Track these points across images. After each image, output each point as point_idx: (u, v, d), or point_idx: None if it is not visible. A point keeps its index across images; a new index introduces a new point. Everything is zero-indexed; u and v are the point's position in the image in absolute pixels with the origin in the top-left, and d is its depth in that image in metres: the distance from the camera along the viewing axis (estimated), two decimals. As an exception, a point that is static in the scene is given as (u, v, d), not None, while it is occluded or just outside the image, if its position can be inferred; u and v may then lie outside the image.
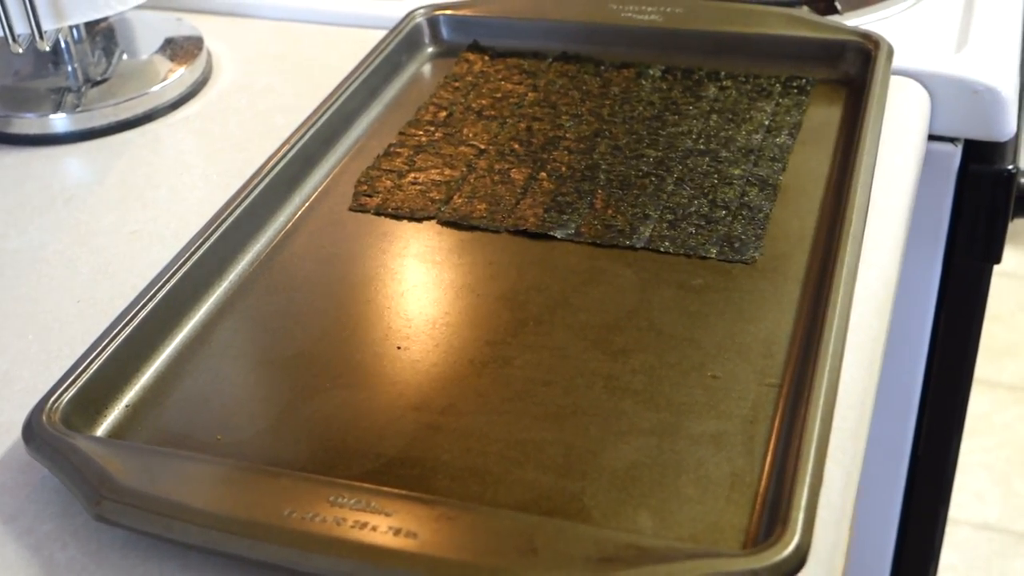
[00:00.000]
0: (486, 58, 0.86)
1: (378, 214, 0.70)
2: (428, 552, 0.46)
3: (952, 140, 0.84)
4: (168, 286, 0.62)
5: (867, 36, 0.80)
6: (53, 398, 0.55)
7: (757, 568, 0.44)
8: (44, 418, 0.54)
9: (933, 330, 0.91)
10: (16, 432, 0.55)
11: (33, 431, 0.53)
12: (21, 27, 0.80)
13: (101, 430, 0.56)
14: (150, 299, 0.61)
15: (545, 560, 0.45)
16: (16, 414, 0.55)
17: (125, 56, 0.90)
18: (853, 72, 0.80)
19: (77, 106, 0.83)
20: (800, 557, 0.45)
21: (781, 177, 0.70)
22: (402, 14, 0.90)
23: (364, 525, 0.47)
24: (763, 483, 0.51)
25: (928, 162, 0.82)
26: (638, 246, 0.65)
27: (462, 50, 0.87)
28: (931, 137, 0.83)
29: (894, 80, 0.80)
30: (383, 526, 0.47)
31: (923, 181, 0.81)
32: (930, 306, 0.90)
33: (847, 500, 0.52)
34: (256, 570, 0.48)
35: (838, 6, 0.92)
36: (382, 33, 0.88)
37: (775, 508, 0.48)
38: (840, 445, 0.54)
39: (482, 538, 0.47)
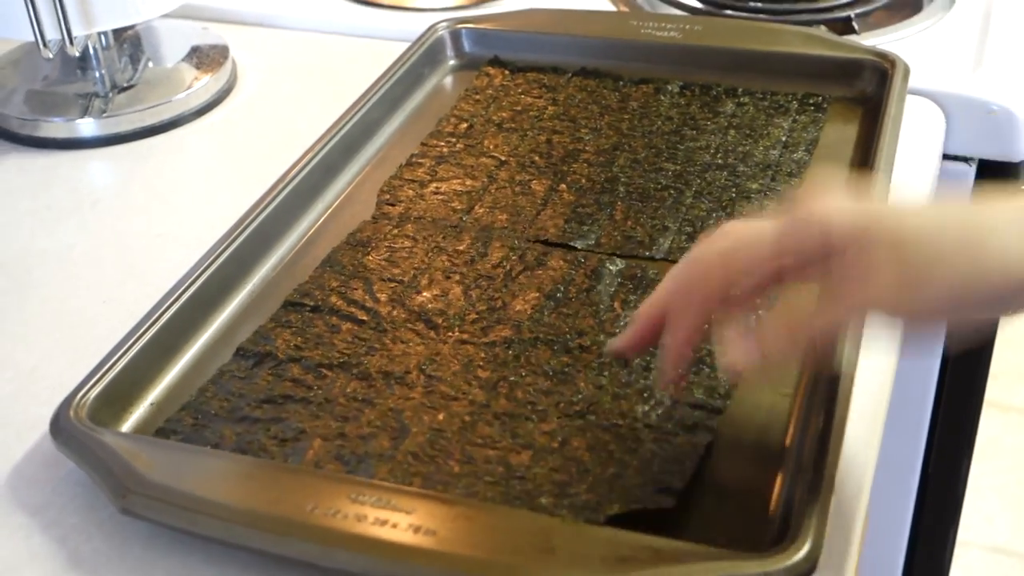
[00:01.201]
0: (506, 72, 0.87)
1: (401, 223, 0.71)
2: (447, 550, 0.47)
3: (966, 160, 0.85)
4: (194, 287, 0.63)
5: (884, 56, 0.81)
6: (80, 394, 0.56)
7: (770, 571, 0.45)
8: (71, 413, 0.55)
9: (946, 349, 0.91)
10: (44, 427, 0.56)
11: (60, 425, 0.54)
12: (52, 33, 0.81)
13: (126, 427, 0.57)
14: (176, 299, 0.62)
15: (562, 559, 0.46)
16: (43, 410, 0.56)
17: (151, 63, 0.92)
18: (870, 91, 0.81)
19: (104, 111, 0.85)
20: (812, 561, 0.45)
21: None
22: (424, 27, 0.91)
23: (385, 522, 0.48)
24: (776, 489, 0.51)
25: (942, 181, 0.83)
26: (657, 257, 0.66)
27: (483, 63, 0.89)
28: (945, 156, 0.84)
29: (910, 99, 0.81)
30: (403, 523, 0.48)
31: (937, 201, 0.82)
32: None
33: (859, 506, 0.53)
34: (278, 565, 0.49)
35: (856, 26, 0.93)
36: (404, 46, 0.89)
37: (787, 513, 0.49)
38: (853, 452, 0.55)
39: (500, 537, 0.48)
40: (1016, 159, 0.84)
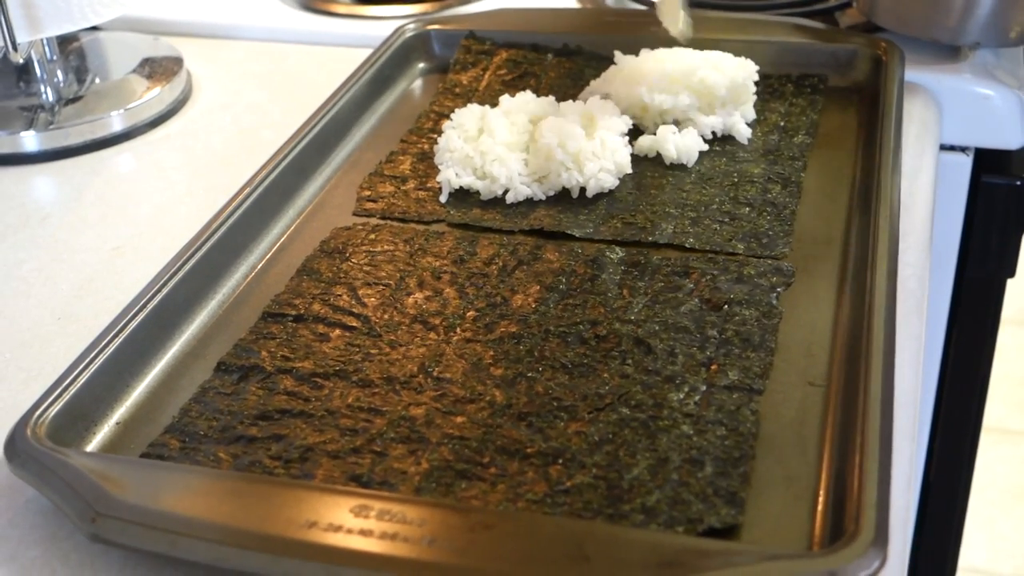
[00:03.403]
0: (483, 65, 0.82)
1: (384, 218, 0.66)
2: (468, 563, 0.41)
3: (963, 150, 0.82)
4: (159, 297, 0.58)
5: (877, 42, 0.78)
6: (38, 412, 0.50)
7: (833, 568, 0.40)
8: (29, 432, 0.49)
9: (945, 345, 0.88)
10: (-4, 452, 0.50)
11: (17, 447, 0.48)
12: (-7, 39, 0.76)
13: (91, 447, 0.51)
14: (140, 310, 0.56)
15: (600, 567, 0.41)
16: (-6, 434, 0.51)
17: (99, 75, 0.86)
18: (863, 79, 0.78)
19: (51, 123, 0.79)
20: (880, 555, 0.41)
21: (803, 175, 0.67)
22: (384, 33, 0.86)
23: (394, 536, 0.43)
24: (821, 484, 0.47)
25: (938, 173, 0.80)
26: (661, 242, 0.61)
27: (453, 65, 0.84)
28: (941, 147, 0.81)
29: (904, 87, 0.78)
30: (415, 537, 0.43)
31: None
32: (942, 321, 0.87)
33: (909, 501, 0.48)
34: (272, 590, 0.44)
35: (839, 20, 0.90)
36: (364, 52, 0.84)
37: (840, 508, 0.44)
38: (897, 446, 0.50)
39: (526, 546, 0.42)
40: (1013, 147, 0.80)
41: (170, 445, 0.50)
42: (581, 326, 0.55)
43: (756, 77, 0.74)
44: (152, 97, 0.82)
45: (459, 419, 0.50)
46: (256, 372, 0.54)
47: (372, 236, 0.64)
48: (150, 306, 0.57)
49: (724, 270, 0.58)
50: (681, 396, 0.50)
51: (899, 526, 0.46)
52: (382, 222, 0.66)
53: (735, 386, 0.51)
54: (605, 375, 0.52)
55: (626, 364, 0.52)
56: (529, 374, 0.52)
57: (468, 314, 0.57)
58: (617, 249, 0.61)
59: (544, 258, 0.61)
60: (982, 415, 0.96)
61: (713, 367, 0.52)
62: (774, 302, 0.56)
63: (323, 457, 0.49)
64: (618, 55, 0.77)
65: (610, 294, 0.57)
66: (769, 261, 0.60)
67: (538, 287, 0.58)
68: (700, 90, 0.71)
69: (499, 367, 0.53)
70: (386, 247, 0.63)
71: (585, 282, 0.59)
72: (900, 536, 0.46)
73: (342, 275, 0.61)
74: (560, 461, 0.47)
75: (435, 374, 0.53)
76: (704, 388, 0.51)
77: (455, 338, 0.55)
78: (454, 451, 0.48)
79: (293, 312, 0.58)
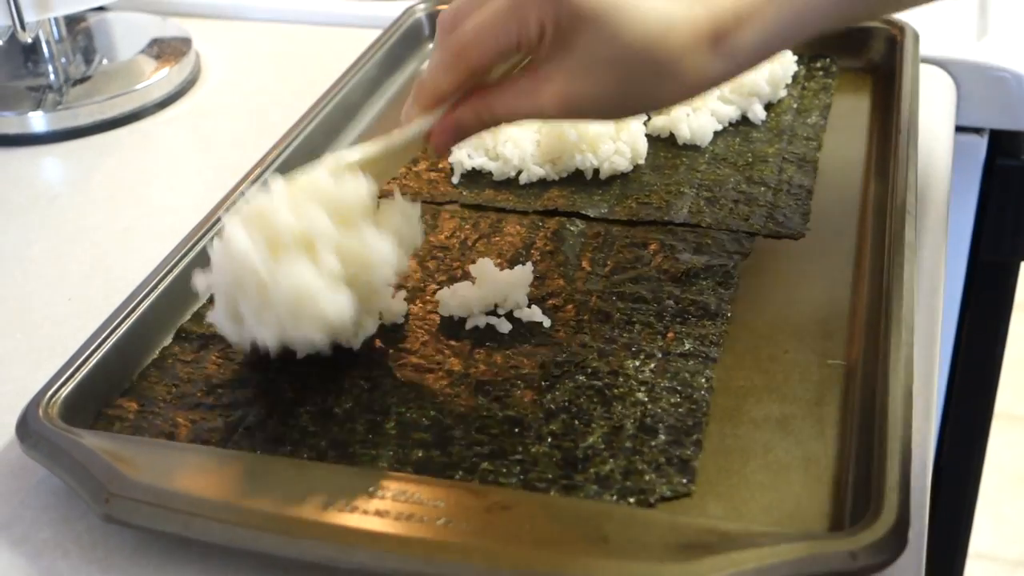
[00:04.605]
0: None
1: (395, 199, 0.65)
2: (485, 543, 0.41)
3: (977, 131, 0.81)
4: (171, 277, 0.57)
5: (891, 22, 0.77)
6: (50, 392, 0.50)
7: (855, 549, 0.40)
8: (41, 413, 0.48)
9: (958, 329, 0.87)
10: (8, 435, 0.49)
11: (29, 427, 0.48)
12: (1, 19, 0.75)
13: (103, 428, 0.51)
14: (152, 289, 0.56)
15: (618, 548, 0.41)
16: (6, 416, 0.50)
17: (107, 55, 0.86)
18: (878, 59, 0.77)
19: (59, 104, 0.78)
20: (901, 536, 0.40)
21: (818, 154, 0.66)
22: (395, 13, 0.86)
23: (410, 516, 0.42)
24: (840, 465, 0.46)
25: (953, 155, 0.79)
26: (677, 221, 0.61)
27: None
28: (956, 129, 0.80)
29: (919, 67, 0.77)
30: (431, 517, 0.42)
31: (948, 175, 0.78)
32: (955, 304, 0.86)
33: (926, 483, 0.48)
34: (286, 571, 0.43)
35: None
36: (373, 33, 0.84)
37: (860, 490, 0.44)
38: (915, 427, 0.50)
39: (544, 527, 0.42)
40: (1029, 128, 0.80)
41: (127, 408, 0.50)
42: (540, 296, 0.55)
43: (795, 68, 0.74)
44: (161, 78, 0.82)
45: (420, 387, 0.50)
46: (216, 341, 0.54)
47: None
48: (162, 287, 0.57)
49: (683, 240, 0.59)
50: (637, 363, 0.51)
51: (918, 508, 0.46)
52: None
53: (690, 354, 0.51)
54: (563, 343, 0.52)
55: (583, 333, 0.53)
56: (487, 343, 0.53)
57: (428, 288, 0.57)
58: (578, 222, 0.62)
59: (505, 231, 0.61)
60: (994, 401, 0.96)
61: (670, 335, 0.52)
62: (731, 271, 0.56)
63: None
64: None
65: (569, 266, 0.58)
66: (727, 233, 0.60)
67: (499, 260, 0.59)
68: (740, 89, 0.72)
69: (457, 338, 0.53)
70: None
71: (546, 254, 0.59)
72: (919, 518, 0.45)
73: None
74: (516, 430, 0.47)
75: (395, 344, 0.53)
76: (660, 356, 0.51)
77: (415, 310, 0.55)
78: (413, 421, 0.49)
79: None
